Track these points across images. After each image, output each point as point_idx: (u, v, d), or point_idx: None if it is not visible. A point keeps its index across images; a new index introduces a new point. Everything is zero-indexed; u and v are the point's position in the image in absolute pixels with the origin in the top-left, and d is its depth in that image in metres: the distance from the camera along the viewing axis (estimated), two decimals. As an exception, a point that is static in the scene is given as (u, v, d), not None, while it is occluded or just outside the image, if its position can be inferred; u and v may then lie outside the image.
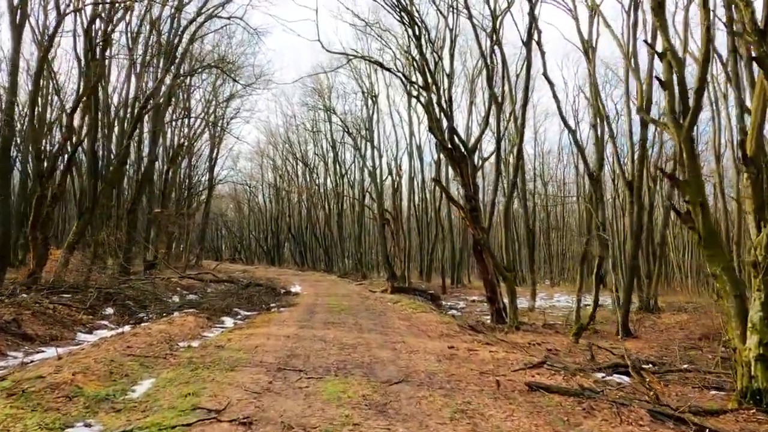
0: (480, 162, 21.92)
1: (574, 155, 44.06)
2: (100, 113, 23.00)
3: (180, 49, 21.23)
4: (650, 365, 11.80)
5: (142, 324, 11.27)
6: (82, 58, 15.43)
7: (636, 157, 16.82)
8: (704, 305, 22.31)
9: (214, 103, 37.12)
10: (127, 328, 11.01)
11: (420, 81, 19.05)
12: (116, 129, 25.13)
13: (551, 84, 13.83)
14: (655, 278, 21.83)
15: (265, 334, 9.63)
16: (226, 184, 66.46)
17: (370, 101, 37.27)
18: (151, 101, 19.85)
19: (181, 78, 23.41)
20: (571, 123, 60.07)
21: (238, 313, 13.87)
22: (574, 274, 50.70)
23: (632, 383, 9.78)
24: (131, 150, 31.04)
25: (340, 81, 48.33)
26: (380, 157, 37.02)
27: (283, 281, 30.03)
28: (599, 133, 18.27)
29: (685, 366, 11.67)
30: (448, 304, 26.07)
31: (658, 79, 8.52)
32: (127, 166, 30.44)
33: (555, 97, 13.98)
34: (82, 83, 17.25)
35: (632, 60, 16.11)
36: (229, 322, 12.35)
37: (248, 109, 66.81)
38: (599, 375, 10.01)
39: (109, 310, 12.65)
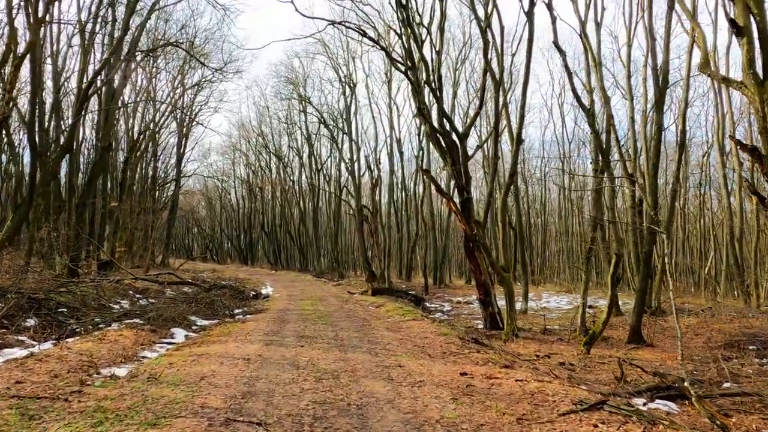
0: (474, 149, 19.96)
1: (561, 153, 42.58)
2: (45, 92, 20.40)
3: (137, 20, 18.78)
4: (685, 382, 9.87)
5: (68, 340, 8.97)
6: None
7: (649, 144, 14.99)
8: (709, 307, 20.81)
9: (180, 89, 34.47)
10: (47, 345, 8.70)
11: (406, 59, 16.97)
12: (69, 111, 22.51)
13: (563, 53, 11.92)
14: (659, 278, 20.17)
15: (219, 356, 7.43)
16: (197, 181, 63.76)
17: (348, 90, 35.09)
18: (101, 76, 17.35)
19: (140, 55, 20.89)
20: (557, 118, 58.38)
21: (194, 324, 11.60)
22: (554, 273, 49.54)
23: (682, 412, 7.94)
24: (86, 136, 28.38)
25: (315, 69, 46.00)
26: (358, 149, 34.91)
27: (253, 282, 27.72)
28: (604, 116, 16.43)
29: (728, 385, 9.87)
30: (433, 305, 24.12)
31: (732, 22, 6.56)
32: (81, 155, 27.79)
33: (566, 68, 12.07)
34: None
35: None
36: (179, 335, 10.09)
37: (218, 99, 63.59)
38: (639, 401, 8.11)
39: (31, 322, 10.26)
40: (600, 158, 12.69)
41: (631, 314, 15.19)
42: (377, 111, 61.88)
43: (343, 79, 35.12)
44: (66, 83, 23.38)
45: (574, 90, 12.87)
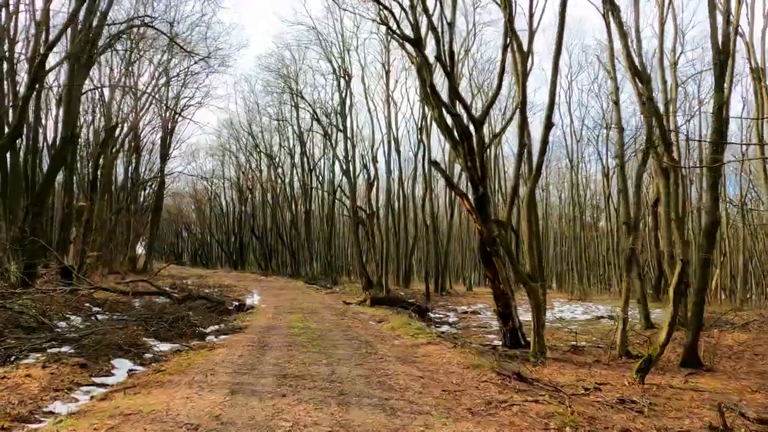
0: (490, 138, 17.44)
1: (568, 152, 40.31)
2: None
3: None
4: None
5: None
6: None
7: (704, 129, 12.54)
8: (754, 320, 18.46)
9: (164, 78, 31.81)
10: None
11: (413, 32, 14.54)
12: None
13: (616, 8, 9.49)
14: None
15: (154, 417, 4.85)
16: (186, 183, 61.14)
17: (342, 83, 32.56)
18: (56, 51, 14.80)
19: (109, 29, 18.29)
20: (566, 117, 56.11)
21: (149, 350, 9.00)
22: (555, 278, 47.26)
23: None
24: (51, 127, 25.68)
25: (307, 61, 43.49)
26: (353, 147, 32.38)
27: (239, 290, 25.11)
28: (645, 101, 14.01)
29: None
30: (437, 316, 21.64)
31: None
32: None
33: (620, 27, 9.54)
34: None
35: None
36: (122, 369, 7.50)
37: (205, 94, 60.00)
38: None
39: None
40: (669, 149, 10.20)
41: (686, 331, 12.75)
42: (373, 108, 59.46)
43: (337, 71, 32.61)
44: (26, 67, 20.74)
45: (629, 55, 10.42)
